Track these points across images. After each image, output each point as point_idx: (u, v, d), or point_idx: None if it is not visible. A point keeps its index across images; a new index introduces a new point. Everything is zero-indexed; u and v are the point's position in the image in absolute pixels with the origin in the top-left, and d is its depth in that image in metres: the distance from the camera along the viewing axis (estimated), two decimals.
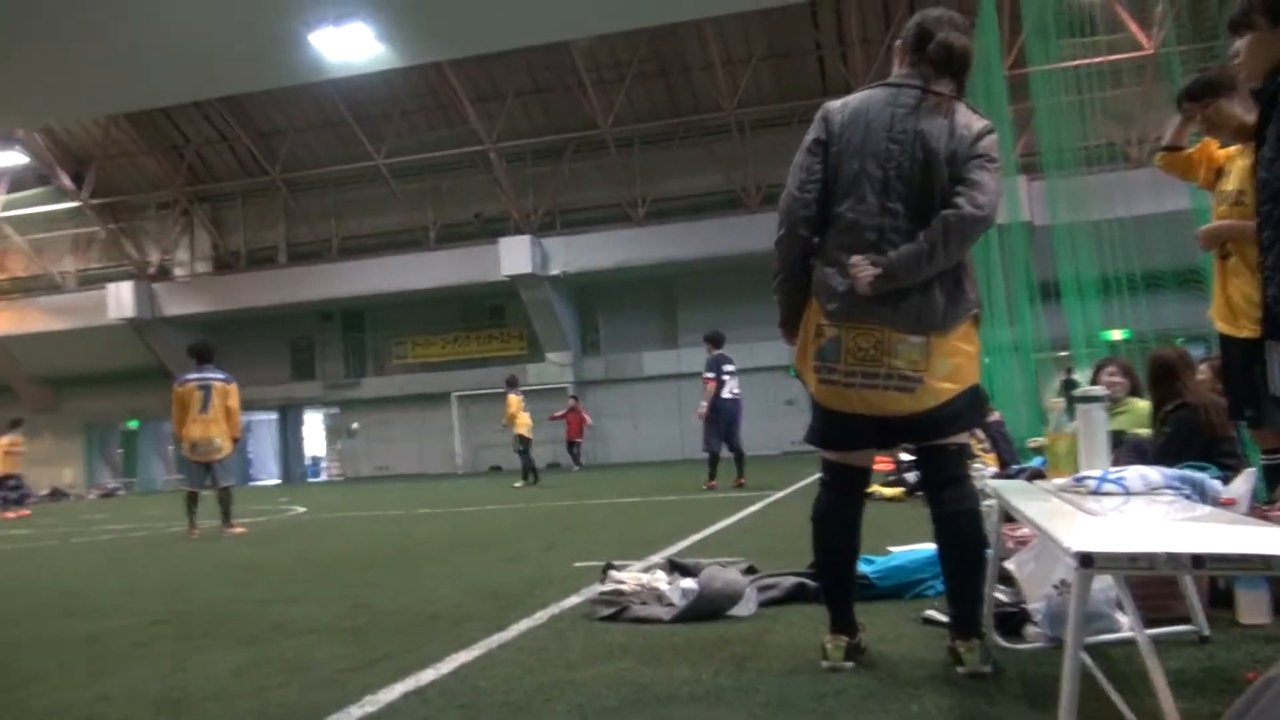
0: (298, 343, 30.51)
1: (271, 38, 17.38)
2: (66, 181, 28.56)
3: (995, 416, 8.68)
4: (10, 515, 17.30)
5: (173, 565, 7.09)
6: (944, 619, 3.08)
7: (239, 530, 9.40)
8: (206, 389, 9.44)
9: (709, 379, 11.80)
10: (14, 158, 27.73)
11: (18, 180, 28.80)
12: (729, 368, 11.95)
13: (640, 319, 27.48)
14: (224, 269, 29.87)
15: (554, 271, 25.64)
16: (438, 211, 28.03)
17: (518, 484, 15.86)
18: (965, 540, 2.73)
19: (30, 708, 2.94)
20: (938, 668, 2.77)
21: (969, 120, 2.72)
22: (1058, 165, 9.40)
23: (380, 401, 29.01)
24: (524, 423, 16.19)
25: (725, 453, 11.89)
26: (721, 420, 11.76)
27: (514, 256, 25.18)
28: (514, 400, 16.26)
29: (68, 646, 3.92)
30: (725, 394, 11.80)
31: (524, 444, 16.24)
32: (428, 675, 3.04)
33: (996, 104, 11.20)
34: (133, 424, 32.12)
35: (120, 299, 28.14)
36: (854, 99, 2.86)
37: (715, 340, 12.01)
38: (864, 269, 2.65)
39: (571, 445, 23.27)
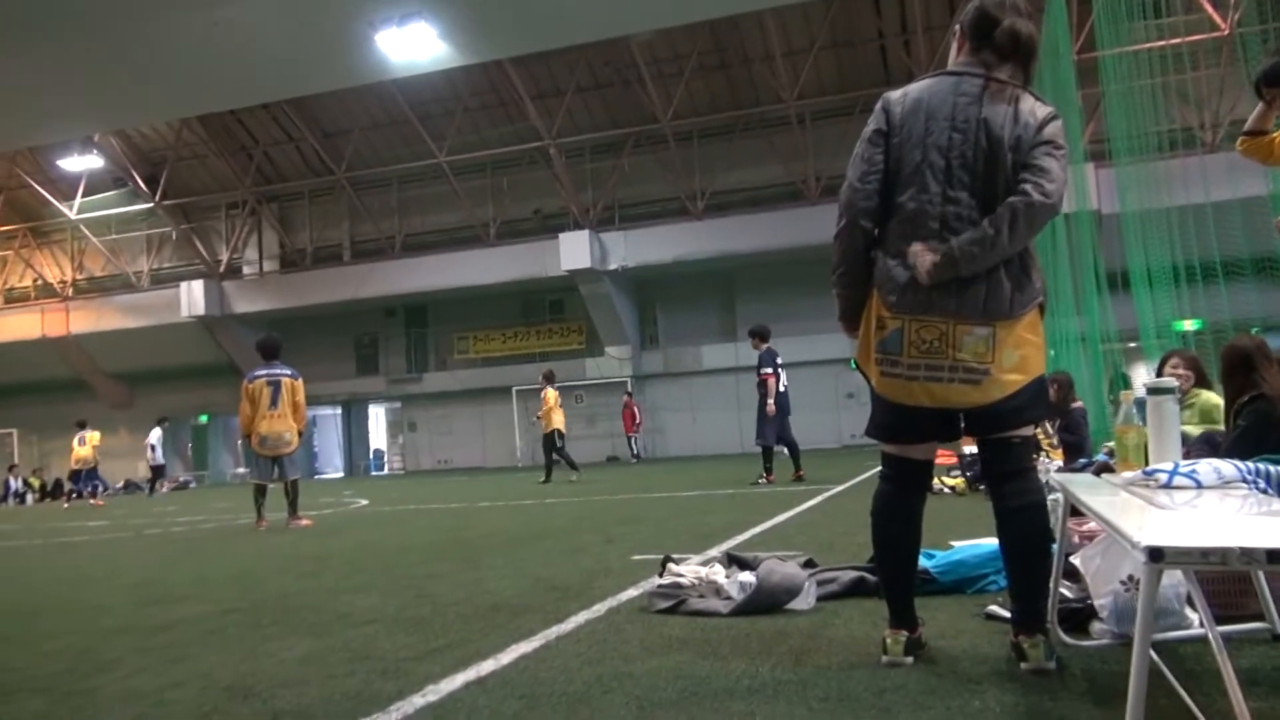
0: (361, 338, 31.04)
1: (337, 40, 17.68)
2: (141, 184, 29.39)
3: (1078, 404, 8.47)
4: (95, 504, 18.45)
5: (242, 556, 7.26)
6: (1007, 614, 3.03)
7: (305, 522, 9.60)
8: (276, 385, 9.64)
9: (768, 374, 11.68)
10: (91, 161, 28.61)
11: (94, 183, 29.71)
12: (780, 360, 11.82)
13: (699, 312, 27.44)
14: (290, 267, 30.50)
15: (613, 266, 25.71)
16: (498, 208, 28.28)
17: (541, 480, 15.37)
18: (1030, 535, 2.68)
19: (105, 693, 3.04)
20: (1000, 664, 2.72)
21: (1033, 107, 2.67)
22: (1128, 151, 9.17)
23: (442, 396, 29.38)
24: (559, 419, 15.69)
25: (777, 446, 11.74)
26: (780, 414, 11.62)
27: (573, 251, 25.30)
28: (551, 395, 15.77)
29: (142, 634, 4.04)
30: (780, 387, 11.67)
31: (560, 439, 15.64)
32: (488, 665, 3.08)
33: (1064, 89, 10.96)
34: (203, 418, 32.99)
35: (192, 297, 28.91)
36: (914, 88, 2.81)
37: (763, 335, 11.92)
38: (924, 255, 2.60)
39: (628, 440, 23.53)
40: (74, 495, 21.23)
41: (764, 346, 11.81)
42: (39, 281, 32.66)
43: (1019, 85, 2.71)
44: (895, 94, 2.83)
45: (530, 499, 11.85)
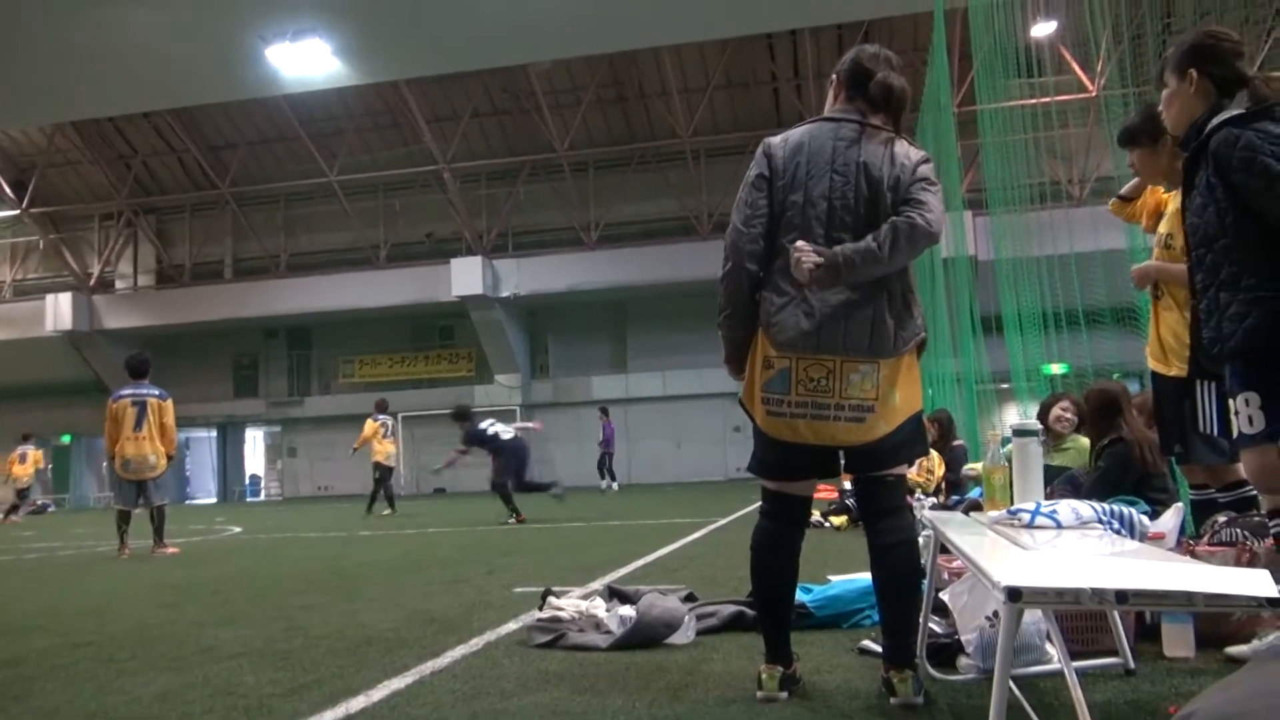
0: (241, 359, 30.03)
1: (228, 51, 17.18)
2: (7, 189, 27.91)
3: (959, 443, 8.75)
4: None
5: (100, 586, 6.88)
6: (879, 649, 3.09)
7: (171, 550, 9.16)
8: (141, 405, 9.25)
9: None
10: None
11: None
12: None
13: (590, 343, 27.49)
14: (167, 282, 29.34)
15: (505, 293, 25.56)
16: (389, 230, 27.84)
17: (370, 512, 14.81)
18: (901, 571, 2.75)
19: None
20: (871, 698, 2.77)
21: (907, 150, 2.80)
22: (1002, 202, 9.60)
23: (324, 420, 28.59)
24: (384, 450, 15.08)
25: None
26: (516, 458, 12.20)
27: (465, 277, 25.06)
28: (371, 425, 15.17)
29: None
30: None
31: (382, 472, 15.04)
32: (358, 702, 2.98)
33: (945, 139, 11.43)
34: (66, 439, 31.30)
35: (58, 310, 27.50)
36: (794, 133, 2.90)
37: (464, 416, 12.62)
38: (808, 255, 2.65)
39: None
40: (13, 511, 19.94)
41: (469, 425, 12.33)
42: None
43: (892, 131, 2.83)
44: (776, 139, 2.91)
45: (412, 528, 11.60)
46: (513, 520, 11.32)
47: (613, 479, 21.31)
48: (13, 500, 20.54)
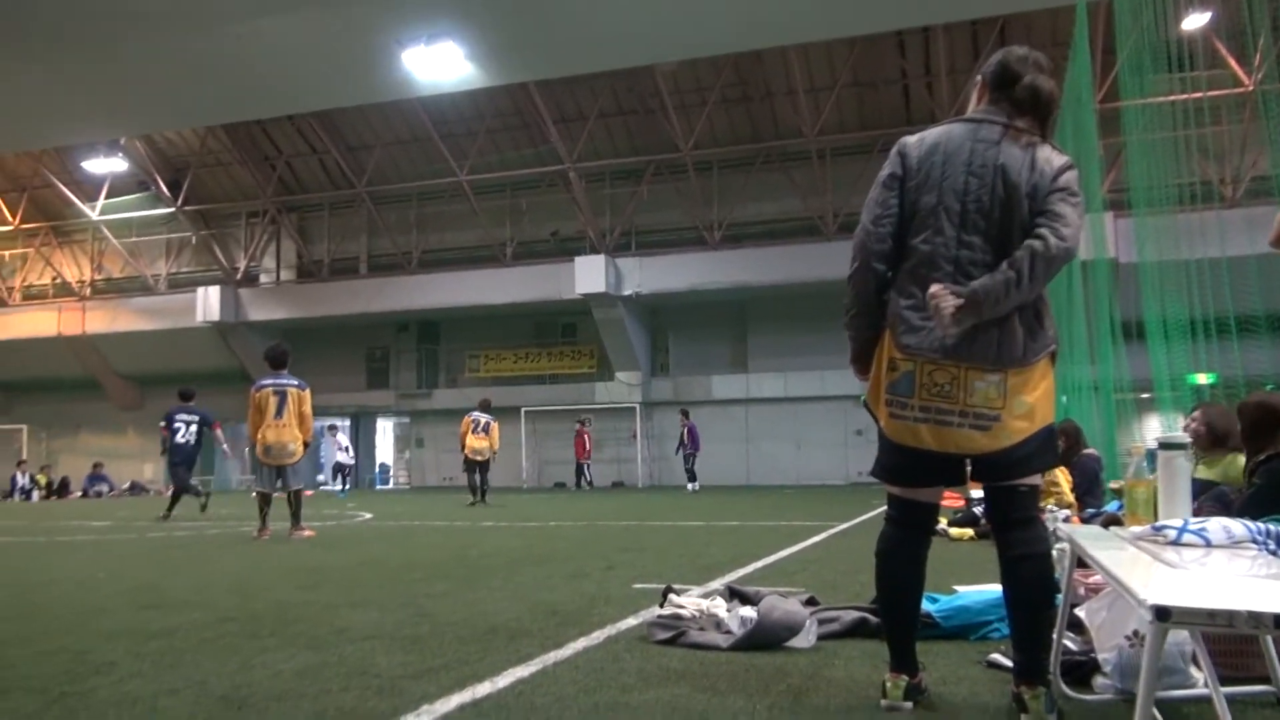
0: (373, 352, 31.11)
1: (364, 56, 17.83)
2: (163, 188, 29.64)
3: (1090, 450, 8.39)
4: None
5: (243, 565, 7.25)
6: (1009, 663, 3.00)
7: (307, 533, 9.59)
8: (282, 394, 9.65)
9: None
10: (115, 164, 28.85)
11: (117, 185, 29.96)
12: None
13: (711, 342, 27.45)
14: (307, 277, 30.65)
15: (627, 292, 25.76)
16: (515, 228, 28.40)
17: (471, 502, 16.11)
18: (1034, 585, 2.66)
19: (100, 696, 3.03)
20: (1000, 714, 2.70)
21: (1050, 155, 2.70)
22: (1147, 202, 9.16)
23: (451, 413, 29.32)
24: (472, 445, 16.37)
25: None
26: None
27: (588, 275, 25.37)
28: (464, 421, 16.63)
29: (139, 639, 4.03)
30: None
31: (469, 465, 16.51)
32: (484, 689, 3.06)
33: (1085, 137, 10.99)
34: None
35: (208, 303, 29.05)
36: (931, 133, 2.84)
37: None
38: (946, 299, 2.59)
39: (579, 467, 23.60)
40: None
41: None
42: (57, 280, 32.88)
43: (1036, 135, 2.74)
44: (912, 139, 2.86)
45: (534, 520, 11.83)
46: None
47: (693, 479, 21.46)
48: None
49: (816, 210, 25.36)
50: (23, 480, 26.64)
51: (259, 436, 9.65)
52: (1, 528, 12.68)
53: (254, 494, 10.12)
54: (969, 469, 2.72)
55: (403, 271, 28.89)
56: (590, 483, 24.76)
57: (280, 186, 30.03)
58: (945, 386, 2.65)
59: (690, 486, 20.86)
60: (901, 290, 2.76)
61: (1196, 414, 5.67)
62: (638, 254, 26.45)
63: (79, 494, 27.30)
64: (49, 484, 27.69)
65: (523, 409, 27.55)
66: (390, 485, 31.93)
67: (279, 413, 9.59)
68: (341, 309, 28.81)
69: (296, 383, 9.84)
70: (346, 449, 24.20)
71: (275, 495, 9.76)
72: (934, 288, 2.63)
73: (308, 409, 9.83)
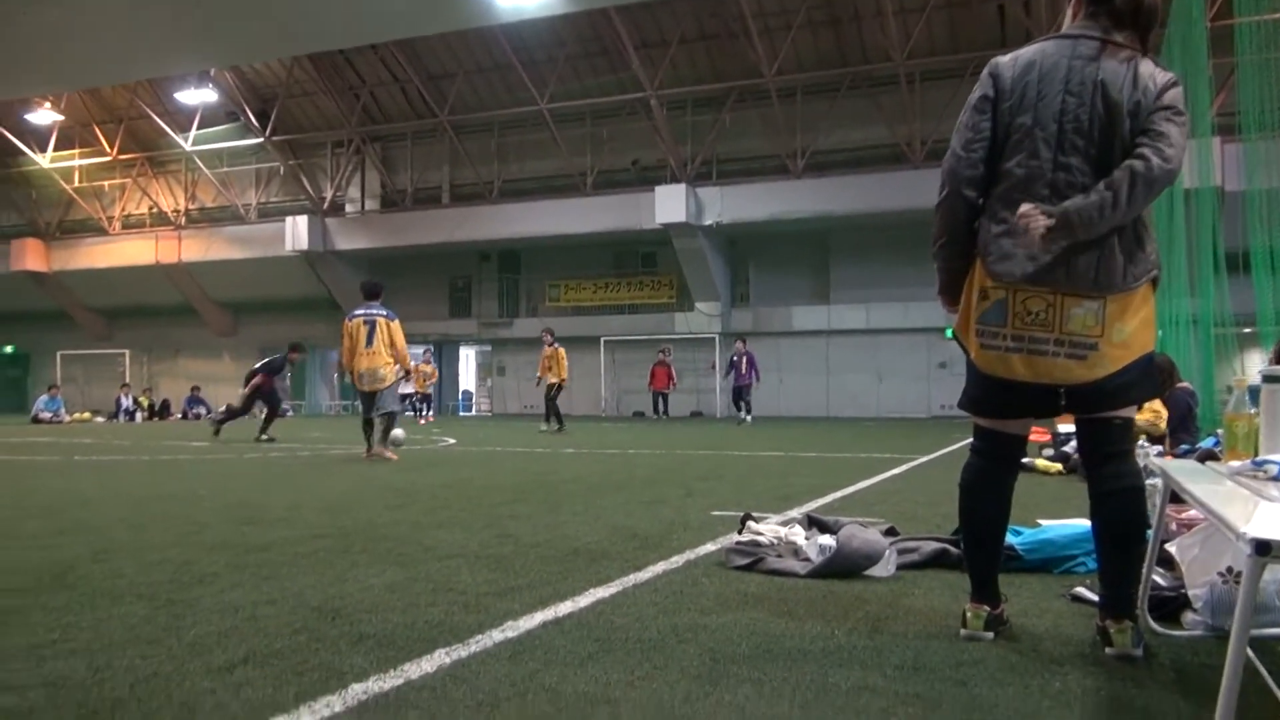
0: (456, 281, 31.50)
1: None
2: (252, 119, 30.17)
3: (1184, 384, 8.10)
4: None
5: (334, 485, 7.52)
6: (1094, 598, 2.97)
7: (389, 456, 9.94)
8: (372, 324, 10.01)
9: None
10: (206, 95, 29.43)
11: (208, 116, 30.58)
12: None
13: (792, 273, 27.11)
14: (390, 207, 31.04)
15: (708, 221, 25.52)
16: (596, 157, 28.25)
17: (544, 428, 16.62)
18: (1125, 518, 2.61)
19: (204, 604, 3.20)
20: (1084, 647, 2.67)
21: (1152, 71, 2.57)
22: (1259, 127, 8.68)
23: (531, 342, 29.64)
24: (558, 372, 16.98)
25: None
26: None
27: (669, 205, 25.17)
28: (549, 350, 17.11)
29: (238, 552, 4.22)
30: None
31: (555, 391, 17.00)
32: (565, 607, 3.14)
33: (1194, 56, 10.42)
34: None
35: (296, 232, 29.68)
36: (1026, 52, 2.72)
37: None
38: (1036, 219, 2.50)
39: (657, 397, 23.43)
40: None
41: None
42: (154, 209, 33.92)
43: (1136, 50, 2.60)
44: (1005, 58, 2.74)
45: (613, 448, 11.97)
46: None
47: (748, 411, 20.69)
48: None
49: (904, 137, 24.64)
50: (126, 402, 27.88)
51: (353, 365, 10.02)
52: (110, 446, 13.32)
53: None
54: (1062, 400, 2.65)
55: (484, 201, 29.06)
56: (666, 413, 24.61)
57: (364, 116, 30.29)
58: (1039, 314, 2.57)
59: (745, 418, 20.53)
60: (993, 216, 2.68)
61: None
62: (718, 183, 26.11)
63: (178, 416, 28.49)
64: (150, 406, 28.94)
65: (602, 339, 27.70)
66: (473, 412, 32.57)
67: (369, 341, 9.95)
68: (424, 239, 29.16)
69: (385, 313, 10.18)
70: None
71: (374, 418, 10.12)
72: (1024, 207, 2.54)
73: (399, 338, 10.16)
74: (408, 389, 23.88)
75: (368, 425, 10.18)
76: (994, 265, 2.63)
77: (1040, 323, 2.57)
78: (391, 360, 10.03)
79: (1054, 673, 2.43)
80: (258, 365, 15.30)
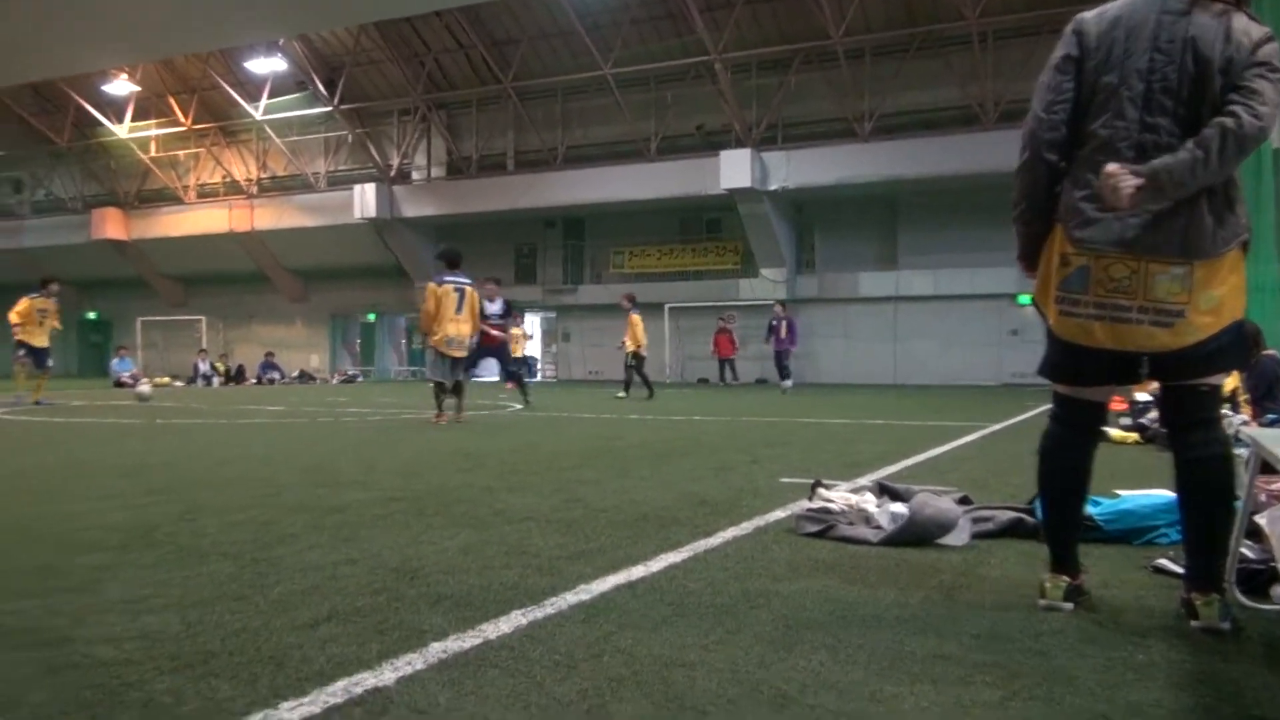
0: (521, 248, 31.68)
1: None
2: (320, 88, 30.54)
3: (1270, 352, 7.83)
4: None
5: (405, 449, 7.66)
6: (1178, 569, 2.91)
7: (445, 418, 10.33)
8: (461, 292, 10.38)
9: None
10: (275, 64, 29.86)
11: (278, 86, 31.04)
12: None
13: (858, 238, 26.73)
14: (456, 174, 31.25)
15: (773, 186, 25.24)
16: (660, 122, 28.07)
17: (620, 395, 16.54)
18: (1212, 488, 2.54)
19: (286, 563, 3.29)
20: (1168, 619, 2.62)
21: (1247, 26, 2.45)
22: None
23: (596, 308, 29.81)
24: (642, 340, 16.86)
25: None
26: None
27: (734, 170, 24.94)
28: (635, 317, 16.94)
29: (317, 514, 4.33)
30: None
31: (638, 360, 16.82)
32: (638, 571, 3.16)
33: None
34: (371, 316, 34.62)
35: (364, 200, 30.08)
36: (1111, 7, 2.62)
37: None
38: (1124, 179, 2.42)
39: (723, 364, 23.21)
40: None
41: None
42: (227, 179, 34.63)
43: (1230, 2, 2.49)
44: (1089, 14, 2.64)
45: (678, 415, 11.99)
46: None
47: (786, 377, 20.04)
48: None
49: (975, 98, 24.02)
50: (204, 367, 28.67)
51: (440, 329, 10.26)
52: (190, 410, 13.73)
53: (430, 383, 10.86)
54: (1145, 368, 2.58)
55: (548, 168, 29.09)
56: (726, 379, 24.43)
57: (430, 84, 30.46)
58: (1123, 281, 2.50)
59: (785, 385, 20.05)
60: (1076, 180, 2.60)
61: None
62: (784, 147, 25.78)
63: (253, 381, 29.22)
64: (227, 371, 29.72)
65: (666, 305, 27.66)
66: (538, 378, 32.87)
67: (459, 308, 10.30)
68: (490, 205, 29.34)
69: (469, 282, 10.59)
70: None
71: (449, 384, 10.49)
72: (1110, 166, 2.46)
73: (478, 307, 10.62)
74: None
75: (440, 390, 10.47)
76: (1076, 231, 2.56)
77: (1124, 290, 2.50)
78: (474, 328, 10.46)
79: (1137, 645, 2.39)
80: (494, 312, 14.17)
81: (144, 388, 15.35)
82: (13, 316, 14.87)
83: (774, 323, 20.36)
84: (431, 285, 10.39)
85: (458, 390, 10.54)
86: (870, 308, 26.25)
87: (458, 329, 10.27)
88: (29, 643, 2.37)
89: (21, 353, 14.69)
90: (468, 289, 10.44)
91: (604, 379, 29.21)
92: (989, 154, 21.40)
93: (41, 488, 5.28)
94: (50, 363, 15.26)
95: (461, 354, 10.39)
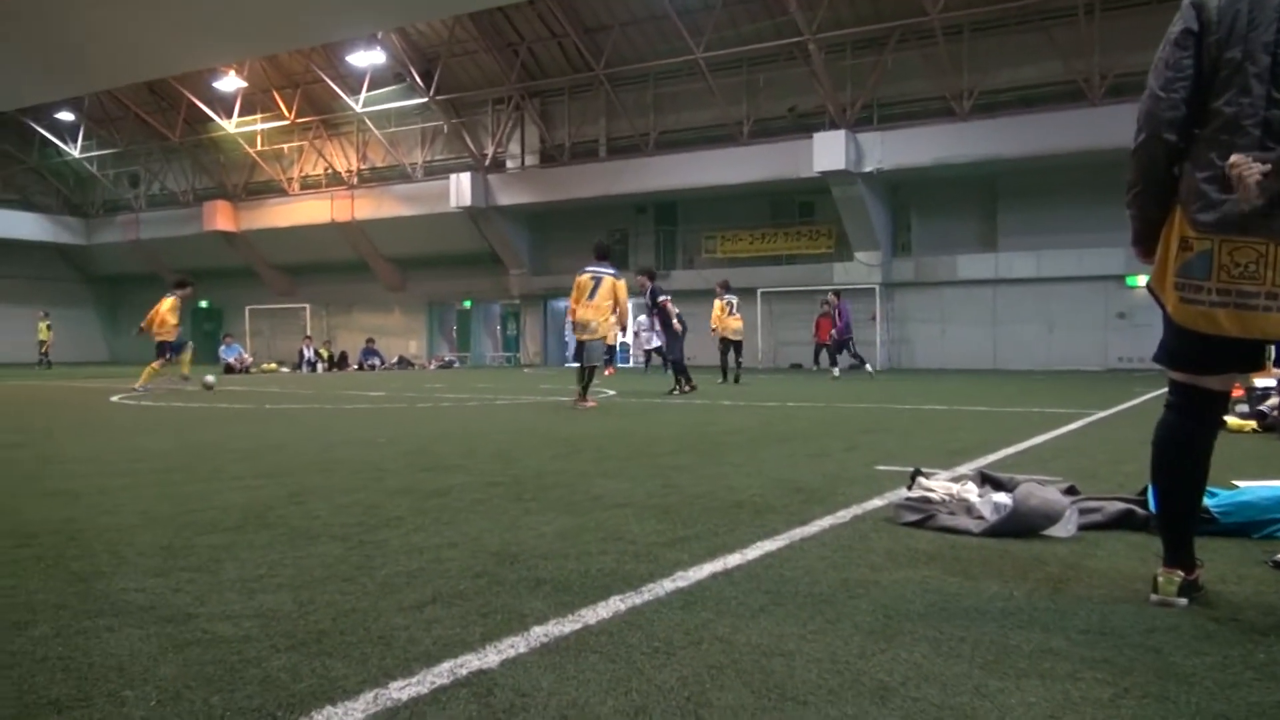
0: (613, 234, 31.80)
1: None
2: (417, 79, 31.14)
3: None
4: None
5: (502, 434, 7.79)
6: None
7: (590, 405, 10.71)
8: (597, 279, 10.96)
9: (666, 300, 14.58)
10: (374, 57, 30.55)
11: (376, 78, 31.75)
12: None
13: (957, 220, 26.10)
14: (549, 162, 31.54)
15: (868, 168, 24.80)
16: (752, 106, 27.83)
17: (720, 381, 16.50)
18: None
19: (392, 545, 3.39)
20: None
21: None
22: None
23: (688, 294, 29.74)
24: (729, 326, 16.64)
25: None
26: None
27: (827, 152, 24.58)
28: (719, 304, 16.75)
29: (420, 497, 4.45)
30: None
31: (725, 344, 16.79)
32: (734, 559, 3.17)
33: None
34: (467, 304, 35.25)
35: (460, 189, 30.60)
36: None
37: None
38: (1249, 166, 2.32)
39: (819, 349, 22.71)
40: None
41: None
42: (329, 170, 35.62)
43: None
44: None
45: (772, 401, 11.92)
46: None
47: (834, 364, 19.78)
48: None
49: (1081, 73, 23.15)
50: (309, 353, 29.64)
51: (572, 315, 11.03)
52: (298, 395, 14.21)
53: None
54: (1271, 355, 2.47)
55: (640, 153, 29.13)
56: (832, 365, 24.08)
57: (523, 73, 30.77)
58: (1249, 266, 2.39)
59: (835, 371, 19.64)
60: (1198, 161, 2.49)
61: None
62: (879, 128, 25.29)
63: (355, 367, 30.08)
64: (330, 357, 30.67)
65: (759, 290, 27.47)
66: (630, 364, 33.01)
67: (592, 294, 10.90)
68: (582, 192, 29.55)
69: (612, 271, 11.09)
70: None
71: (586, 367, 11.09)
72: (1234, 157, 2.35)
73: (622, 295, 11.00)
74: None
75: (581, 373, 11.07)
76: (1198, 214, 2.46)
77: (1250, 275, 2.39)
78: (609, 314, 10.88)
79: (1257, 643, 2.30)
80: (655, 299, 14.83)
81: (209, 378, 15.90)
82: (170, 318, 15.31)
83: (832, 312, 20.10)
84: (577, 275, 11.08)
85: (582, 374, 11.07)
86: (969, 291, 25.63)
87: (583, 314, 10.87)
88: (155, 619, 2.50)
89: (169, 354, 15.48)
90: (605, 277, 10.91)
91: (698, 365, 29.19)
92: (1095, 130, 20.65)
93: (162, 468, 5.53)
94: (188, 343, 16.17)
95: (586, 337, 10.93)
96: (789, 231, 28.63)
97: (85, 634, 2.37)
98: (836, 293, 21.06)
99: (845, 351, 19.83)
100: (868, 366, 19.77)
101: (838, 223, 26.66)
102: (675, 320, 14.82)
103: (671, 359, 11.20)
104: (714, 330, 16.77)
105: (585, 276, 10.99)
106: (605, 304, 10.87)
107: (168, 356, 15.26)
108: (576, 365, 11.28)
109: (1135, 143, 2.60)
